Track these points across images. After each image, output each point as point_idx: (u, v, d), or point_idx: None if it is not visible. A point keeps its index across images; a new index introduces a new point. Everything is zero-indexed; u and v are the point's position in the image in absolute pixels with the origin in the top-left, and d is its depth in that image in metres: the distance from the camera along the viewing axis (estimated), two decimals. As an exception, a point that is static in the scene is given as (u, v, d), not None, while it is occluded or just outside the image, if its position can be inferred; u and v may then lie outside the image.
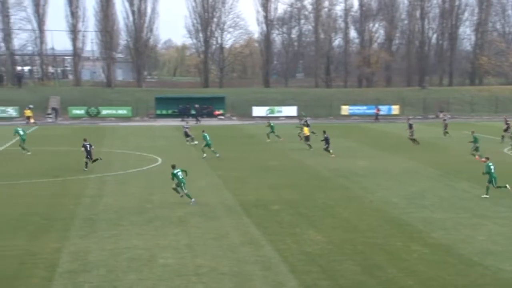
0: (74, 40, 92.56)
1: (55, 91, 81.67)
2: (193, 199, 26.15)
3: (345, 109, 78.26)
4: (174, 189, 26.48)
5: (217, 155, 39.99)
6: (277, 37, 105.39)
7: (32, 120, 66.43)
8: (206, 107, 74.23)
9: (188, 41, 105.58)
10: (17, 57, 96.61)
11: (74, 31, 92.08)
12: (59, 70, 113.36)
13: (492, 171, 27.30)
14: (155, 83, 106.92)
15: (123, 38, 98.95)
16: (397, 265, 18.34)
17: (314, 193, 28.56)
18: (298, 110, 74.33)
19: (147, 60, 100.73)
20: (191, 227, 22.65)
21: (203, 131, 41.49)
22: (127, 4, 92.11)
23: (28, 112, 67.64)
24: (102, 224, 22.90)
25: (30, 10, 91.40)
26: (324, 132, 42.31)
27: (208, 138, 40.24)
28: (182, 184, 26.22)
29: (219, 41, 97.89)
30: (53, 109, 72.67)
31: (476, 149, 39.45)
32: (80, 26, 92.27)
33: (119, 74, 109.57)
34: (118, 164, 37.58)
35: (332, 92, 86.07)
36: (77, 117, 73.37)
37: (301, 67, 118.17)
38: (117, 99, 78.93)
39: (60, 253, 19.28)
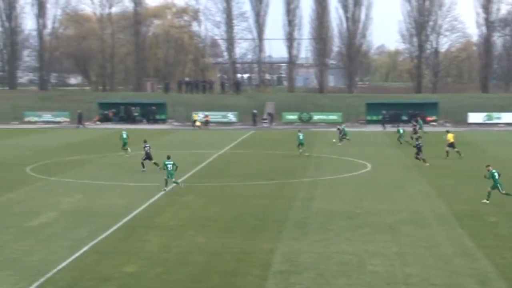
0: (289, 47, 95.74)
1: (270, 97, 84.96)
2: (182, 184, 30.59)
3: None
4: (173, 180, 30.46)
5: (306, 154, 42.71)
6: (498, 40, 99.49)
7: (198, 124, 69.45)
8: (418, 112, 72.26)
9: (401, 46, 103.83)
10: (237, 65, 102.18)
11: (290, 39, 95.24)
12: (275, 77, 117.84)
13: (496, 177, 26.92)
14: (366, 89, 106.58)
15: (336, 45, 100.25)
16: None
17: (535, 206, 26.42)
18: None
19: (359, 66, 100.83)
20: (401, 234, 22.14)
21: (299, 131, 44.74)
22: (341, 11, 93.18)
23: (196, 117, 71.55)
24: (312, 227, 23.27)
25: (251, 20, 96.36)
26: (417, 139, 40.38)
27: (301, 138, 43.08)
28: (170, 175, 30.08)
29: (434, 45, 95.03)
30: (269, 114, 75.58)
31: None
32: (295, 34, 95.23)
33: (331, 80, 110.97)
34: (329, 169, 37.99)
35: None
36: (290, 122, 75.56)
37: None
38: (328, 104, 79.96)
39: (273, 253, 19.90)
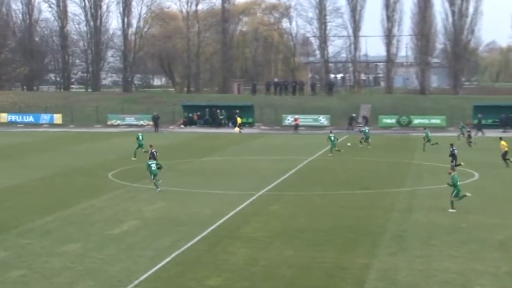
0: (388, 45, 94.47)
1: (366, 99, 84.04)
2: (159, 189, 31.90)
3: None
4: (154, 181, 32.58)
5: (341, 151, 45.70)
6: None
7: (236, 129, 69.66)
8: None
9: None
10: (330, 65, 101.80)
11: (388, 36, 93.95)
12: (371, 77, 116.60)
13: (458, 183, 27.87)
14: (474, 90, 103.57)
15: (440, 42, 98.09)
16: None
17: None
18: None
19: (465, 65, 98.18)
20: (513, 253, 21.32)
21: (330, 132, 48.30)
22: (447, 5, 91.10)
23: (240, 120, 71.68)
24: (412, 242, 22.76)
25: (346, 16, 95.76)
26: (452, 145, 39.50)
27: (332, 139, 46.22)
28: (153, 175, 32.41)
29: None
30: (363, 117, 74.70)
31: None
32: (395, 30, 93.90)
33: (434, 81, 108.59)
34: (429, 178, 37.15)
35: None
36: (387, 126, 74.41)
37: None
38: (430, 107, 78.19)
39: (368, 269, 19.60)
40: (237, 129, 69.88)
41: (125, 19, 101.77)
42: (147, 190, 33.33)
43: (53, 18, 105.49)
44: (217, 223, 25.65)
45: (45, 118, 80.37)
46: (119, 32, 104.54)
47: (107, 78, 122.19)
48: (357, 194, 32.41)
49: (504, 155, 41.38)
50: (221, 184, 35.44)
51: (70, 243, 22.50)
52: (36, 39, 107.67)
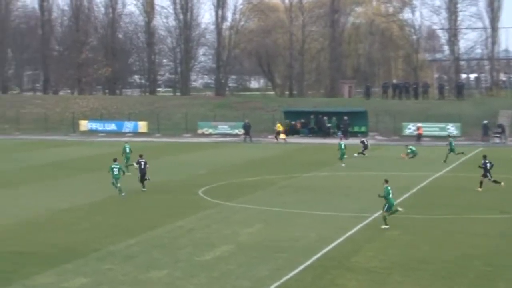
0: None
1: (506, 104, 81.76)
2: (123, 193, 36.19)
3: None
4: (113, 183, 37.04)
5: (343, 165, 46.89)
6: None
7: (282, 136, 70.13)
8: None
9: None
10: (462, 63, 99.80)
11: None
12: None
13: (390, 195, 29.48)
14: None
15: None
16: None
17: None
18: None
19: None
20: None
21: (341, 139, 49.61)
22: None
23: (279, 127, 72.05)
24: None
25: (482, 4, 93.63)
26: (485, 157, 39.77)
27: (342, 147, 49.80)
28: (115, 179, 36.76)
29: None
30: (499, 126, 72.67)
31: None
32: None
33: None
34: None
35: None
36: (533, 136, 72.15)
37: None
38: None
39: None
40: (282, 136, 71.16)
41: (219, 12, 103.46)
42: (243, 210, 33.77)
43: (138, 11, 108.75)
44: (324, 250, 25.68)
45: (128, 126, 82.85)
46: (212, 27, 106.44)
47: (197, 80, 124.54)
48: (493, 218, 31.76)
49: None
50: (329, 204, 35.44)
51: (156, 270, 23.13)
52: (120, 36, 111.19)
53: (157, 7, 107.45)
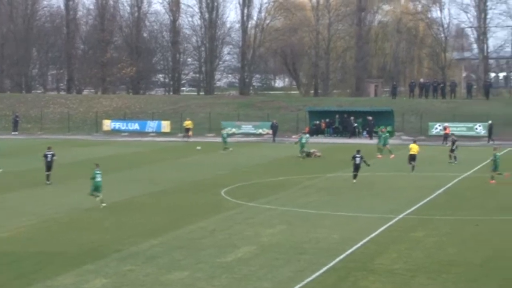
0: None
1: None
2: (104, 204, 34.10)
3: None
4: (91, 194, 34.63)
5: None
6: None
7: (190, 134, 72.02)
8: None
9: None
10: (491, 61, 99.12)
11: None
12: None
13: None
14: None
15: None
16: None
17: None
18: None
19: None
20: None
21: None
22: None
23: (188, 124, 73.70)
24: None
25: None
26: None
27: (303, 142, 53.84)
28: (96, 187, 34.48)
29: None
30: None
31: None
32: None
33: None
34: None
35: None
36: None
37: None
38: None
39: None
40: (190, 133, 73.56)
41: (245, 10, 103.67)
42: (266, 211, 33.73)
43: (163, 10, 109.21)
44: (347, 252, 25.59)
45: (151, 125, 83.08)
46: (237, 26, 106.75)
47: (222, 79, 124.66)
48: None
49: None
50: (353, 204, 35.31)
51: (177, 271, 23.16)
52: (144, 35, 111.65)
53: (182, 6, 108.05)
